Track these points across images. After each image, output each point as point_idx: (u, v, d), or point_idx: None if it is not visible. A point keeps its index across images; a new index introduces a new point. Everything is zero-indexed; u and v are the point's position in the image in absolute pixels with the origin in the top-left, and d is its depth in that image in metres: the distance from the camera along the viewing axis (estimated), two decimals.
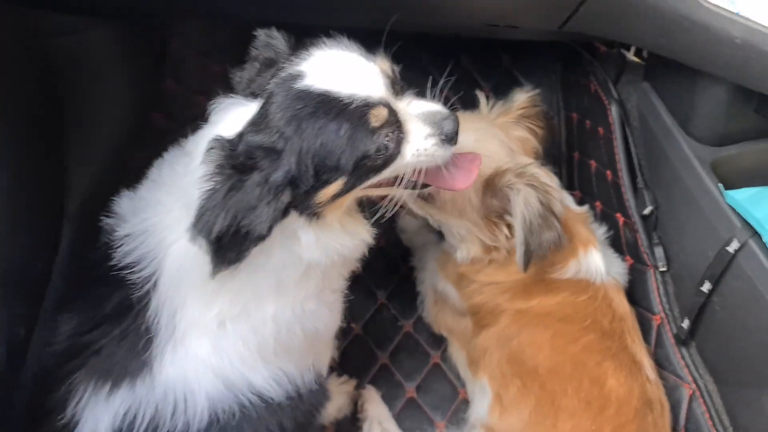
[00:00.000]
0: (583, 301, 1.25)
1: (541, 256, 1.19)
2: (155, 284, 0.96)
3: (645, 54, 1.44)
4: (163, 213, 0.98)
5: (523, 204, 1.15)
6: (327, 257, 0.99)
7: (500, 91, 1.77)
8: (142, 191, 1.06)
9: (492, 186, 1.21)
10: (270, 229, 0.85)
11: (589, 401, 1.18)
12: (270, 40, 0.99)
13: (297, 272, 0.98)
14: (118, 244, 0.99)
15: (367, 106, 0.90)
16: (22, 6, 1.20)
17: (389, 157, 0.94)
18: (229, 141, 0.88)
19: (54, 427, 0.98)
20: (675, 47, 1.12)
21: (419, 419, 1.48)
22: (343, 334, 1.56)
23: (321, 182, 0.90)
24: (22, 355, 1.15)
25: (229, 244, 0.83)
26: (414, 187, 1.04)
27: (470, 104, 1.78)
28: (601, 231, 1.39)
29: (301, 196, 0.91)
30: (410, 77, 1.79)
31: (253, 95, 0.95)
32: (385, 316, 1.61)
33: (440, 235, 1.59)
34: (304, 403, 1.09)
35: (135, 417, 0.94)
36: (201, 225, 0.81)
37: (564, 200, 1.33)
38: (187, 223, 0.84)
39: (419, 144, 0.97)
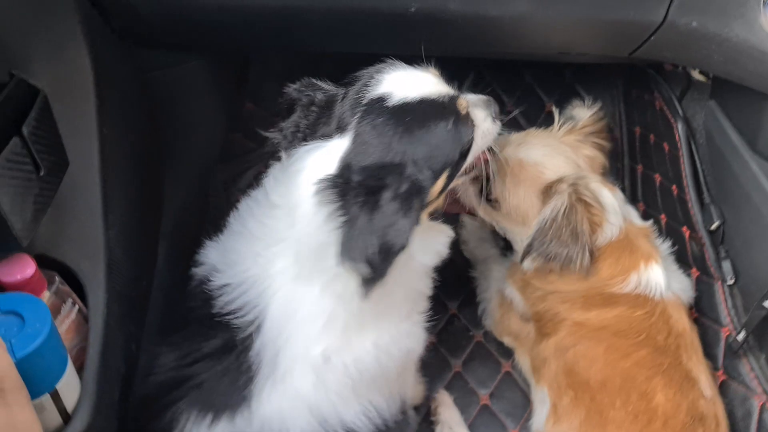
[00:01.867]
0: (639, 315, 1.29)
1: (549, 260, 1.27)
2: (258, 328, 1.01)
3: (711, 74, 1.48)
4: (265, 264, 1.03)
5: (552, 206, 1.23)
6: (431, 260, 1.09)
7: (563, 106, 1.84)
8: (230, 242, 1.13)
9: (549, 194, 1.29)
10: (409, 238, 0.92)
11: (636, 414, 1.23)
12: (300, 89, 1.09)
13: (407, 288, 1.07)
14: (218, 294, 1.06)
15: (454, 99, 1.03)
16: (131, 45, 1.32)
17: (471, 140, 1.05)
18: (337, 176, 0.95)
19: None
20: (744, 75, 1.16)
21: (493, 425, 1.55)
22: None
23: (435, 180, 1.00)
24: (134, 370, 1.26)
25: (379, 263, 0.89)
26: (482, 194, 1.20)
27: (533, 120, 1.86)
28: (665, 246, 1.44)
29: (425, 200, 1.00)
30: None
31: (308, 138, 1.03)
32: (457, 326, 1.69)
33: (502, 248, 1.67)
34: None
35: None
36: (355, 252, 0.87)
37: (629, 214, 1.38)
38: (293, 272, 0.94)
39: (483, 125, 1.10)
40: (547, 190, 1.30)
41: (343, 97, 1.03)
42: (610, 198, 1.33)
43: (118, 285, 1.17)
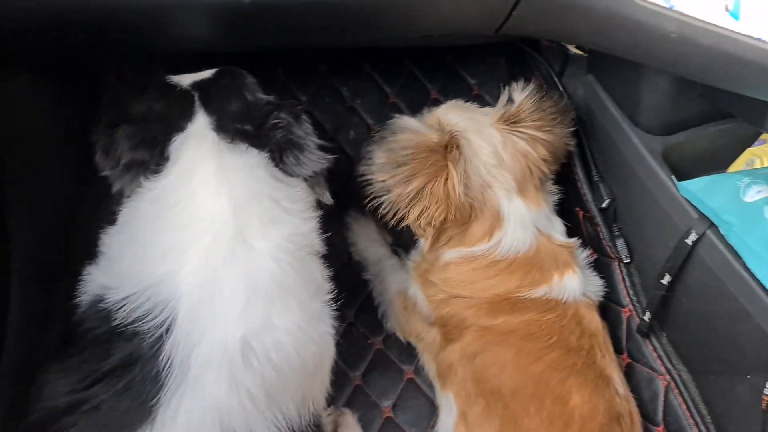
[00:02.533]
0: (549, 319, 1.22)
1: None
2: (170, 327, 0.92)
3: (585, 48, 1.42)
4: (173, 260, 0.96)
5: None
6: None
7: (448, 92, 1.76)
8: (117, 259, 1.03)
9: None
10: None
11: (552, 420, 1.16)
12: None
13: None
14: (119, 306, 0.95)
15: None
16: None
17: None
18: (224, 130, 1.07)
19: None
20: (612, 45, 1.10)
21: None
22: None
23: None
24: None
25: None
26: None
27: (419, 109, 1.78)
28: (584, 255, 1.35)
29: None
30: (356, 87, 1.78)
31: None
32: (354, 334, 1.58)
33: (392, 246, 1.58)
34: None
35: None
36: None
37: (550, 229, 1.30)
38: (210, 256, 0.93)
39: None
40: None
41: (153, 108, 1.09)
42: (520, 211, 1.25)
43: None
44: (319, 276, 1.11)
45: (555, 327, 1.22)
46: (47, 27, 1.09)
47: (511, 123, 1.28)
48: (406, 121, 1.31)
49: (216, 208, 0.98)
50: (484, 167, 1.24)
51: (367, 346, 1.56)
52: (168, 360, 0.91)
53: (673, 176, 1.20)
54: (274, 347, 0.95)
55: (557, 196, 1.37)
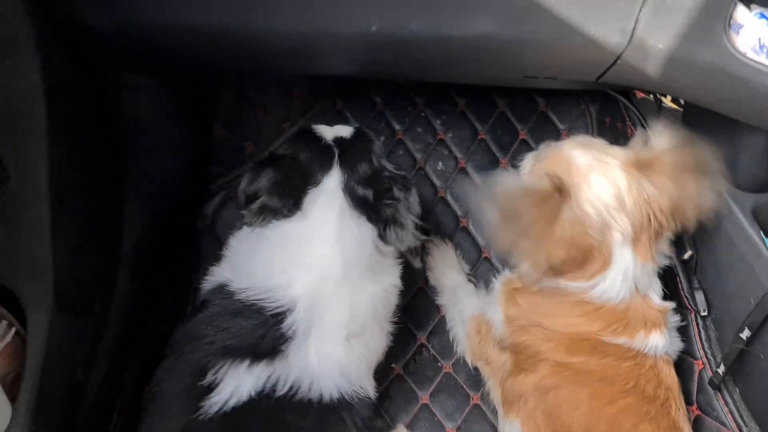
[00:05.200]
0: (628, 366, 1.23)
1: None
2: (290, 308, 1.14)
3: (682, 101, 1.46)
4: (290, 277, 1.17)
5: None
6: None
7: (536, 134, 1.82)
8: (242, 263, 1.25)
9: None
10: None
11: None
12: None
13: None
14: (239, 294, 1.17)
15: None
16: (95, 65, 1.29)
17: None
18: (350, 194, 1.25)
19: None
20: (713, 100, 1.14)
21: None
22: (383, 374, 1.60)
23: None
24: (79, 397, 1.20)
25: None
26: None
27: (506, 148, 1.84)
28: (675, 319, 1.35)
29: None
30: (448, 121, 1.87)
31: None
32: (425, 356, 1.64)
33: (468, 274, 1.63)
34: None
35: (276, 382, 1.09)
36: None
37: (648, 289, 1.28)
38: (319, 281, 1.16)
39: None
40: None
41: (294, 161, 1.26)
42: (626, 264, 1.22)
43: (66, 308, 1.12)
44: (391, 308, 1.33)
45: (633, 374, 1.23)
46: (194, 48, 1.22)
47: (641, 167, 1.23)
48: (507, 176, 1.37)
49: (330, 259, 1.18)
50: (605, 209, 1.20)
51: (436, 368, 1.62)
52: (292, 327, 1.13)
53: (761, 232, 1.22)
54: (365, 345, 1.23)
55: (668, 261, 1.34)
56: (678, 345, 1.36)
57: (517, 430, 1.33)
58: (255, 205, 1.22)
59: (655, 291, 1.30)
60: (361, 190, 1.23)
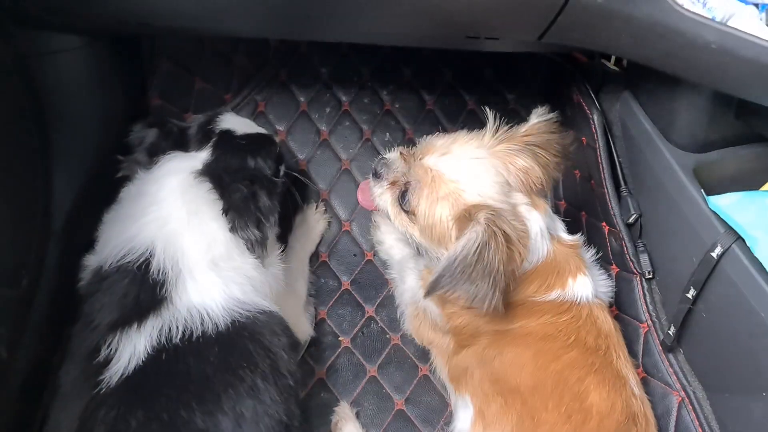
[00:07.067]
0: (566, 320, 1.23)
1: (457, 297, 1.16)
2: (152, 252, 1.19)
3: (625, 63, 1.46)
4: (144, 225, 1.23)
5: (465, 242, 1.10)
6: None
7: (483, 104, 1.80)
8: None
9: (467, 220, 1.15)
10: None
11: (569, 415, 1.17)
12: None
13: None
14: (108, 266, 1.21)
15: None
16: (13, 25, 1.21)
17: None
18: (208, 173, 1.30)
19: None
20: (652, 55, 1.13)
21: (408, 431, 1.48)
22: (332, 347, 1.57)
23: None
24: (4, 378, 1.14)
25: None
26: (399, 202, 1.28)
27: (454, 118, 1.82)
28: (590, 254, 1.36)
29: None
30: (395, 91, 1.83)
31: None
32: (373, 328, 1.61)
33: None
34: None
35: (170, 329, 1.12)
36: (245, 225, 1.27)
37: (557, 230, 1.30)
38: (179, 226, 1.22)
39: None
40: (464, 217, 1.15)
41: (194, 128, 1.40)
42: (539, 223, 1.23)
43: None
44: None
45: (572, 327, 1.24)
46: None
47: (508, 141, 1.26)
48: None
49: (171, 202, 1.25)
50: (501, 202, 1.19)
51: (384, 341, 1.59)
52: (160, 267, 1.18)
53: (702, 191, 1.22)
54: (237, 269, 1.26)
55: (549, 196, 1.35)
56: (606, 285, 1.36)
57: (468, 404, 1.32)
58: (134, 156, 1.36)
59: (561, 229, 1.32)
60: (220, 173, 1.30)
